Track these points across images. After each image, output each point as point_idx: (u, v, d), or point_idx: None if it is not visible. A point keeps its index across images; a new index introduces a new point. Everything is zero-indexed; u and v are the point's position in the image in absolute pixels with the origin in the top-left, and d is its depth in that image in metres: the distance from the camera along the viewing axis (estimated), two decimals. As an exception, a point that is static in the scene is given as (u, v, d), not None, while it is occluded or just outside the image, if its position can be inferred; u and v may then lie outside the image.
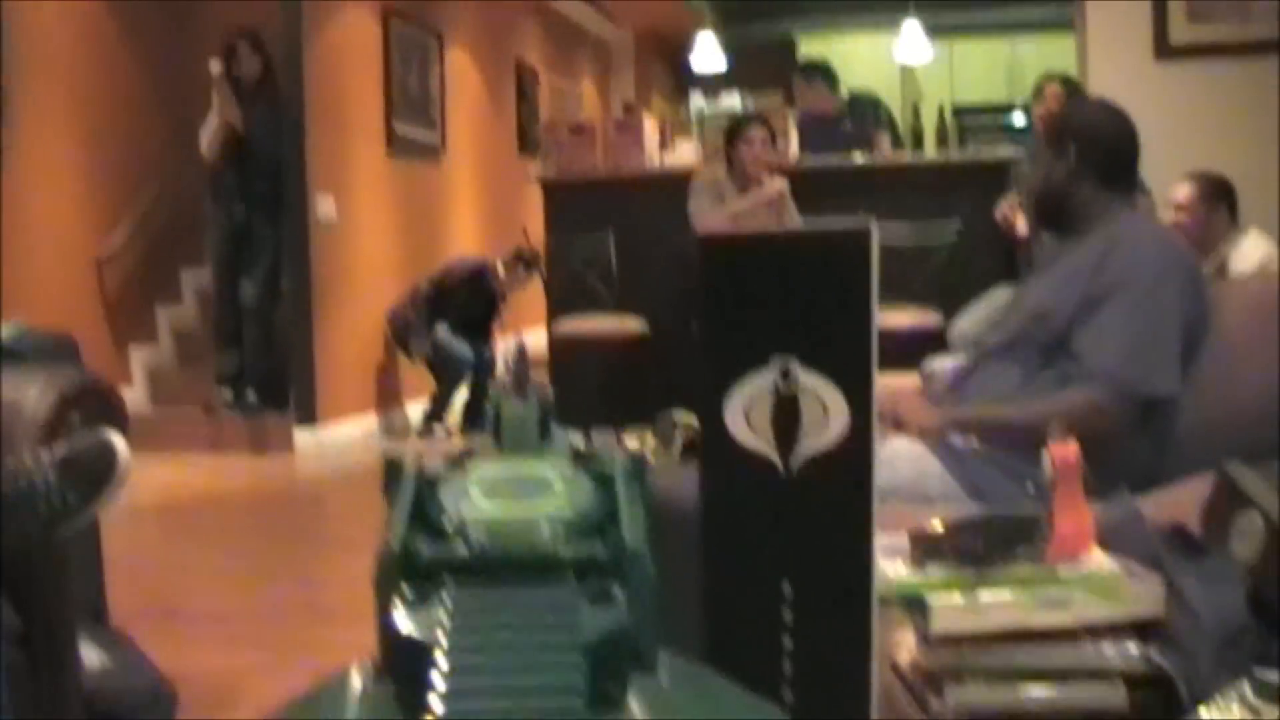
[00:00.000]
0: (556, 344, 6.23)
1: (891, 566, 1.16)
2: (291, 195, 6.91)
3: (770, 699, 0.68)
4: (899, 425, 2.46)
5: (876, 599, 1.19)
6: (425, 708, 0.44)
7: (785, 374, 0.66)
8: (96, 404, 2.57)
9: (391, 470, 0.60)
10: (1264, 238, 4.66)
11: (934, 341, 5.09)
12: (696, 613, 0.69)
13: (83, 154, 6.96)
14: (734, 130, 5.79)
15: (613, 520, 0.54)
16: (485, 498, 0.55)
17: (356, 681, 0.52)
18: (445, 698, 0.44)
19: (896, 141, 6.66)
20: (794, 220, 5.52)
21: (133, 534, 4.99)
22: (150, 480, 6.19)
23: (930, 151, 6.79)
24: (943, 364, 3.67)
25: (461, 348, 7.21)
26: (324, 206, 7.10)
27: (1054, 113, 4.73)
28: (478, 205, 9.37)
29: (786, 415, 0.66)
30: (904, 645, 1.20)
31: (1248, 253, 4.50)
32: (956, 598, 1.10)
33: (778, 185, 5.63)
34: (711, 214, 5.53)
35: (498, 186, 9.61)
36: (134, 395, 7.32)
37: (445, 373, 7.23)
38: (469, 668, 0.45)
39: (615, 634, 0.48)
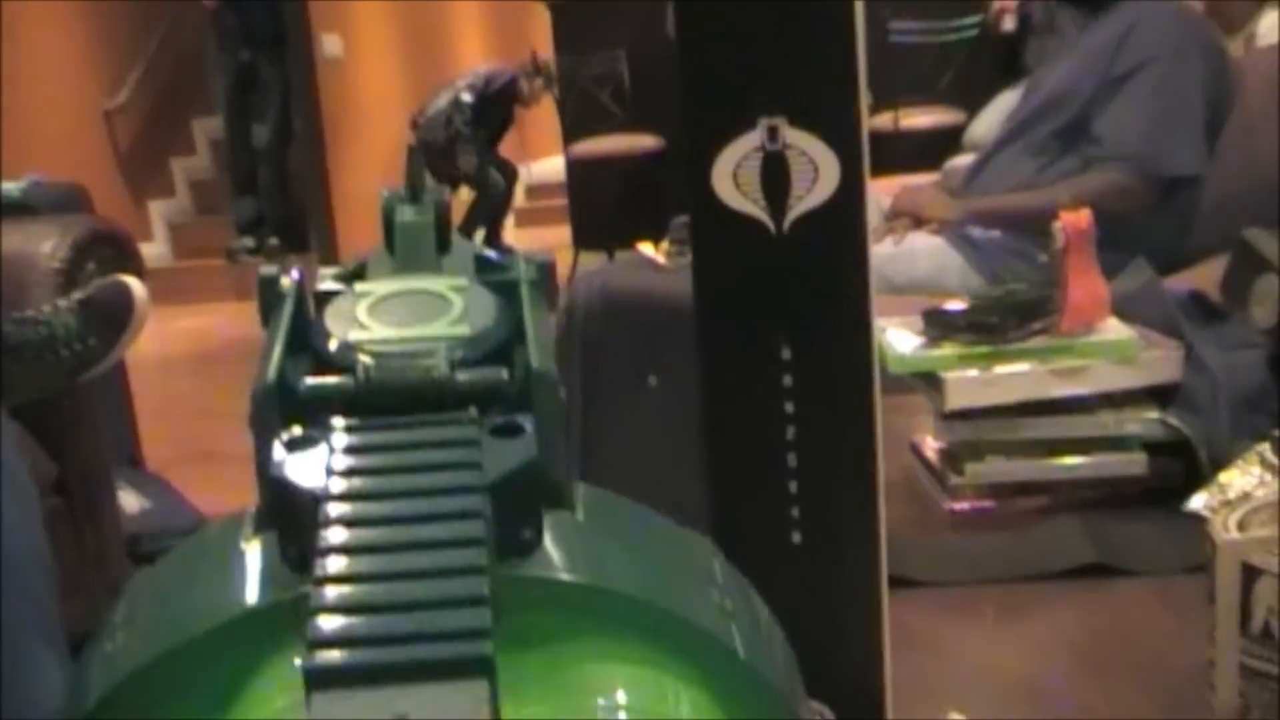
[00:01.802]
0: (573, 167, 6.17)
1: (906, 345, 1.15)
2: (295, 34, 6.79)
3: (775, 466, 0.67)
4: (918, 220, 2.43)
5: (888, 380, 1.18)
6: (311, 566, 0.39)
7: (772, 133, 0.64)
8: (111, 251, 2.56)
9: (267, 290, 0.54)
10: (1291, 11, 4.53)
11: (958, 141, 5.01)
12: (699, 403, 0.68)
13: (83, 5, 6.85)
14: None
15: (519, 339, 0.48)
16: (374, 320, 0.49)
17: (241, 532, 0.46)
18: (333, 553, 0.39)
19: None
20: None
21: (165, 384, 5.04)
22: (178, 331, 6.23)
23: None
24: (966, 162, 3.61)
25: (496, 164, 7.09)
26: (329, 44, 6.98)
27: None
28: (485, 31, 9.19)
29: (775, 175, 0.64)
30: (922, 425, 1.20)
31: (1275, 24, 4.38)
32: (971, 372, 1.09)
33: None
34: None
35: (505, 12, 9.42)
36: (156, 250, 7.32)
37: (487, 191, 7.09)
38: (358, 519, 0.40)
39: (523, 470, 0.43)
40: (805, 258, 0.64)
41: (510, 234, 9.04)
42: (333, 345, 0.48)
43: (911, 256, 2.34)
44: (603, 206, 6.04)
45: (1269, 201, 2.20)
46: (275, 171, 6.97)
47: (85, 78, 6.87)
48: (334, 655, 0.35)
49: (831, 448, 0.66)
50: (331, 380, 0.46)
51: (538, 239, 8.17)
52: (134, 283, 2.16)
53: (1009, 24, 4.89)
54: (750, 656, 0.43)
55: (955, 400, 1.07)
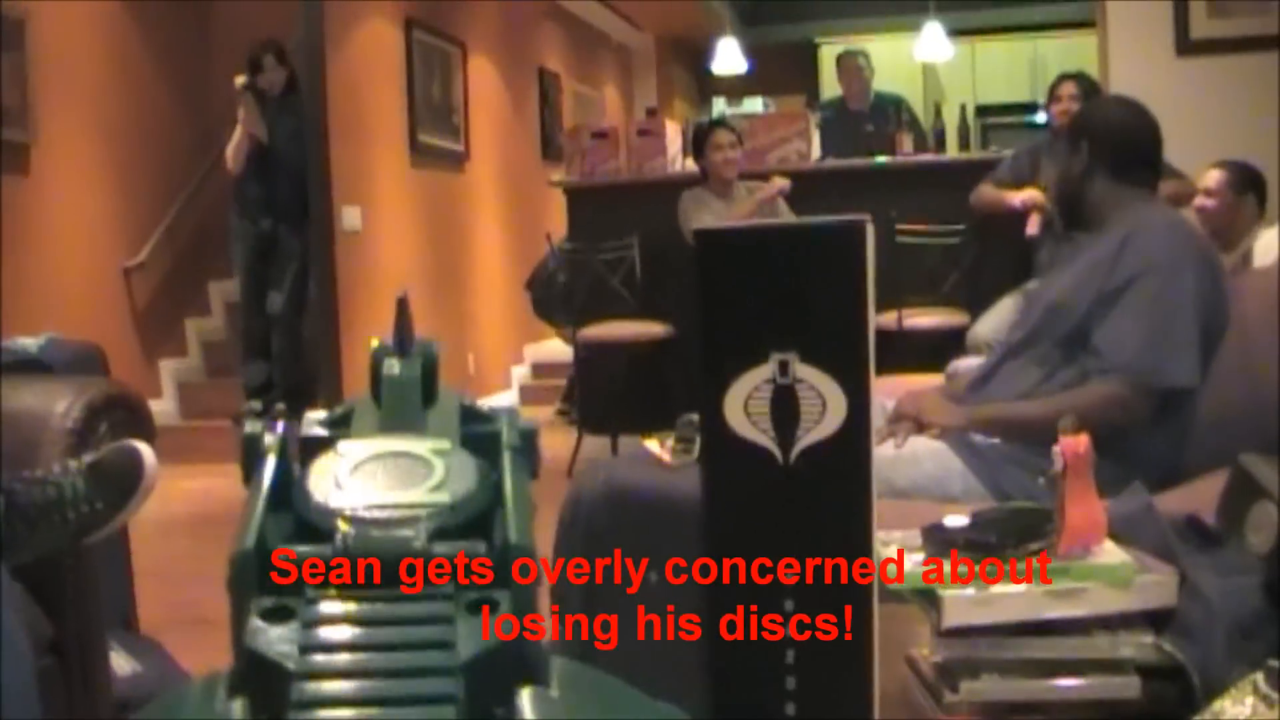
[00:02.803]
0: (581, 350, 6.25)
1: (905, 560, 1.17)
2: (316, 206, 6.95)
3: (773, 688, 0.69)
4: (921, 424, 2.47)
5: (887, 592, 1.20)
6: None
7: (783, 367, 0.67)
8: (124, 414, 2.59)
9: (250, 448, 0.53)
10: (1290, 231, 4.63)
11: (962, 342, 5.10)
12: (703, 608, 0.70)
13: (109, 166, 7.02)
14: (700, 138, 5.81)
15: (499, 503, 0.48)
16: (356, 482, 0.49)
17: (216, 695, 0.45)
18: None
19: (920, 141, 6.65)
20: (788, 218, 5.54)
21: (164, 546, 5.03)
22: (181, 492, 6.23)
23: (952, 151, 6.78)
24: (968, 364, 3.67)
25: None
26: (349, 216, 7.14)
27: (1072, 111, 4.74)
28: (501, 212, 9.40)
29: (785, 407, 0.67)
30: (918, 640, 1.21)
31: (1272, 244, 4.48)
32: (969, 590, 1.11)
33: (778, 184, 5.64)
34: (699, 219, 5.54)
35: (521, 193, 9.64)
36: (164, 408, 7.37)
37: None
38: (330, 698, 0.39)
39: (497, 648, 0.42)
40: (810, 487, 0.67)
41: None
42: (313, 509, 0.48)
43: (914, 460, 2.37)
44: (609, 391, 6.10)
45: (1267, 423, 2.23)
46: (288, 338, 7.06)
47: (107, 235, 7.01)
48: None
49: (831, 674, 0.68)
50: (308, 549, 0.47)
51: (544, 416, 8.21)
52: (144, 448, 2.19)
53: (1033, 228, 5.02)
54: None
55: (952, 617, 1.08)
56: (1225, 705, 1.05)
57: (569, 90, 11.25)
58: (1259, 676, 1.07)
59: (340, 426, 0.54)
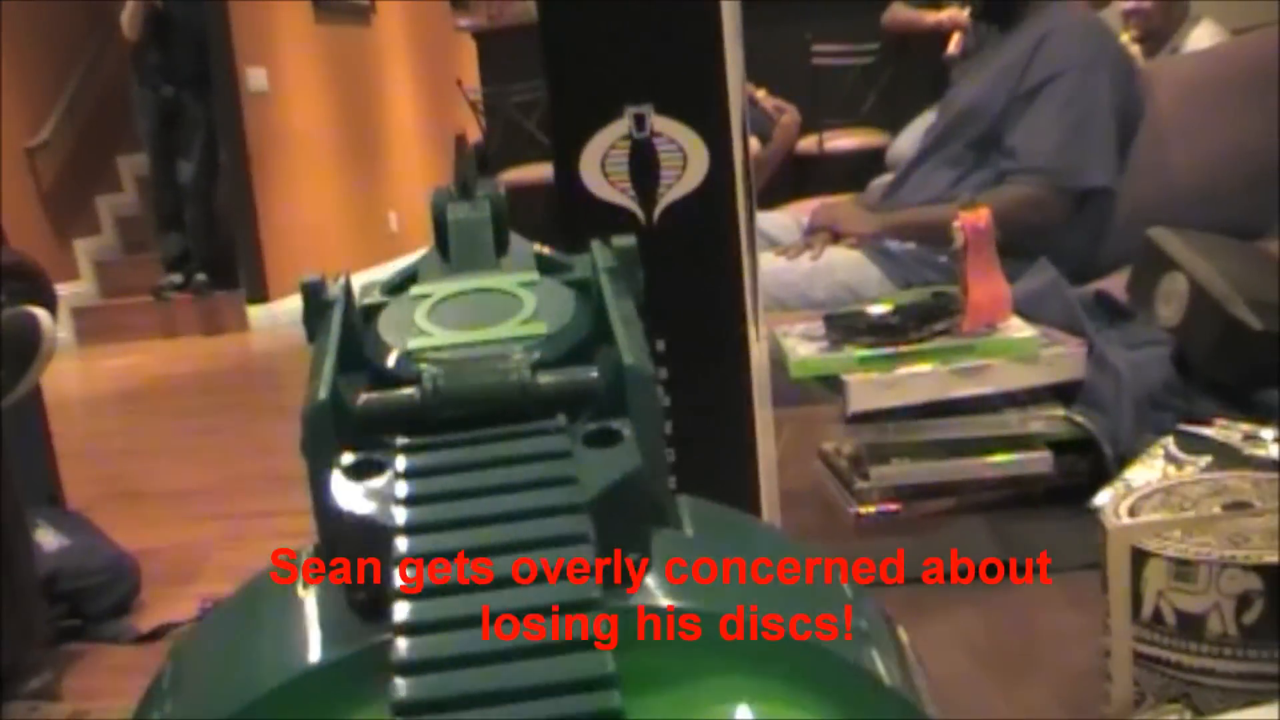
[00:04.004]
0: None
1: (807, 349, 1.14)
2: (219, 69, 6.75)
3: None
4: (836, 235, 2.44)
5: (796, 385, 1.17)
6: (384, 614, 0.32)
7: (639, 121, 0.63)
8: (21, 284, 2.51)
9: (312, 296, 0.46)
10: (1216, 27, 4.60)
11: (881, 162, 5.06)
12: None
13: (2, 41, 6.77)
14: None
15: (604, 337, 0.41)
16: (436, 325, 0.42)
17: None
18: (411, 598, 0.32)
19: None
20: None
21: (91, 423, 4.97)
22: (105, 370, 6.14)
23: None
24: (887, 181, 3.65)
25: None
26: (254, 78, 6.95)
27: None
28: (412, 64, 9.18)
29: (643, 164, 0.63)
30: (831, 434, 1.19)
31: (1198, 40, 4.45)
32: (873, 375, 1.08)
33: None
34: None
35: (431, 43, 9.41)
36: (82, 288, 7.23)
37: None
38: (440, 553, 0.33)
39: (627, 482, 0.35)
40: (676, 246, 0.63)
41: (442, 265, 8.99)
42: (391, 356, 0.41)
43: (830, 270, 2.35)
44: (532, 235, 6.02)
45: (1182, 214, 2.22)
46: (202, 207, 6.92)
47: (5, 115, 6.78)
48: None
49: (710, 438, 0.65)
50: (393, 394, 0.39)
51: (469, 270, 8.13)
52: (41, 313, 2.13)
53: (955, 48, 4.96)
54: (894, 682, 0.37)
55: (858, 403, 1.06)
56: (1136, 471, 1.04)
57: (474, -65, 10.93)
58: (1169, 440, 1.06)
59: (404, 291, 0.46)
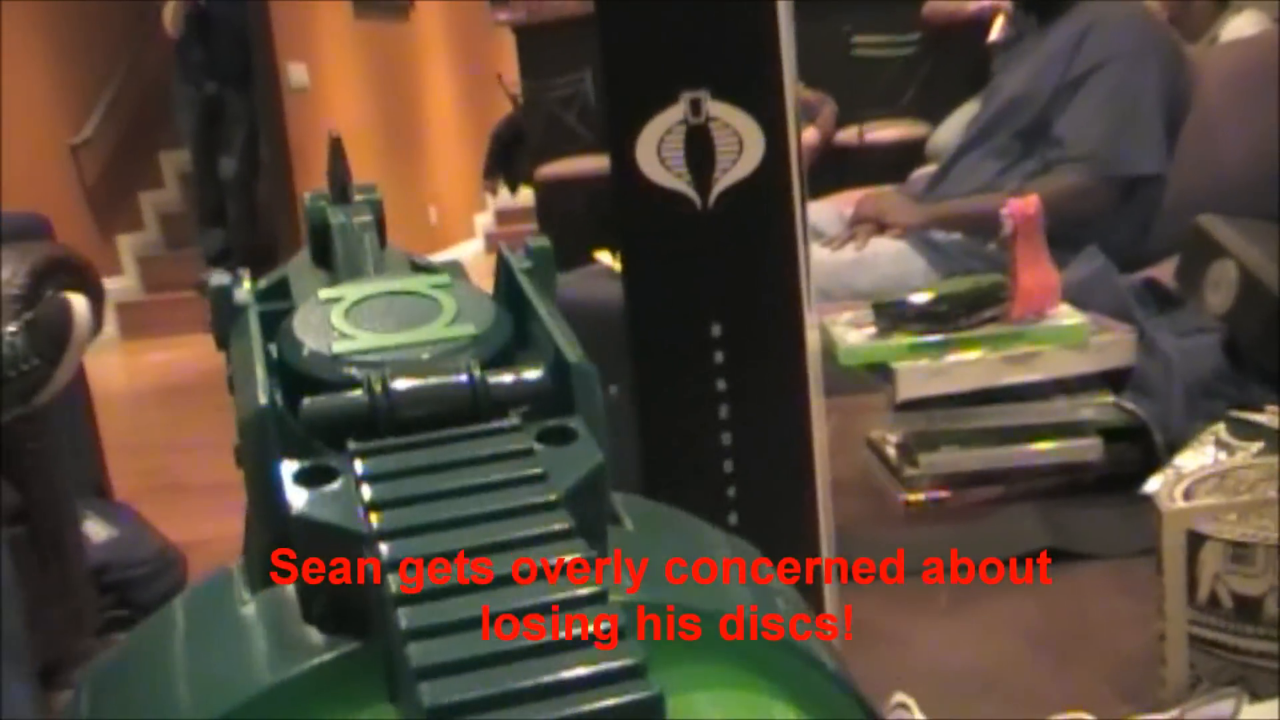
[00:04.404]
0: (542, 190, 6.17)
1: (855, 337, 1.14)
2: (260, 65, 6.79)
3: (709, 445, 0.66)
4: (881, 226, 2.43)
5: (845, 373, 1.17)
6: (385, 622, 0.31)
7: (695, 106, 0.63)
8: (69, 277, 2.54)
9: (221, 302, 0.44)
10: (1261, 14, 4.55)
11: (923, 154, 5.04)
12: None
13: (43, 42, 6.83)
14: None
15: (528, 338, 0.41)
16: (357, 328, 0.40)
17: (232, 594, 0.37)
18: (413, 601, 0.31)
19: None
20: None
21: (134, 418, 5.02)
22: (148, 365, 6.20)
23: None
24: (930, 172, 3.63)
25: None
26: (295, 73, 6.99)
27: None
28: (451, 58, 9.21)
29: (699, 148, 0.63)
30: (879, 422, 1.19)
31: (1239, 29, 4.40)
32: (922, 362, 1.08)
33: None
34: None
35: (469, 37, 9.44)
36: (125, 284, 7.30)
37: None
38: (434, 554, 0.32)
39: (591, 477, 0.35)
40: (732, 231, 0.63)
41: (483, 260, 9.04)
42: (311, 360, 0.39)
43: (875, 261, 2.34)
44: (572, 228, 6.03)
45: (1229, 196, 2.20)
46: (243, 203, 6.97)
47: (50, 113, 6.85)
48: None
49: (766, 421, 0.65)
50: (340, 398, 0.37)
51: (509, 263, 8.15)
52: (75, 298, 2.15)
53: (997, 33, 4.93)
54: (835, 667, 0.37)
55: (906, 390, 1.06)
56: (1186, 458, 1.03)
57: (513, -70, 10.94)
58: (1220, 427, 1.05)
59: (276, 299, 0.45)
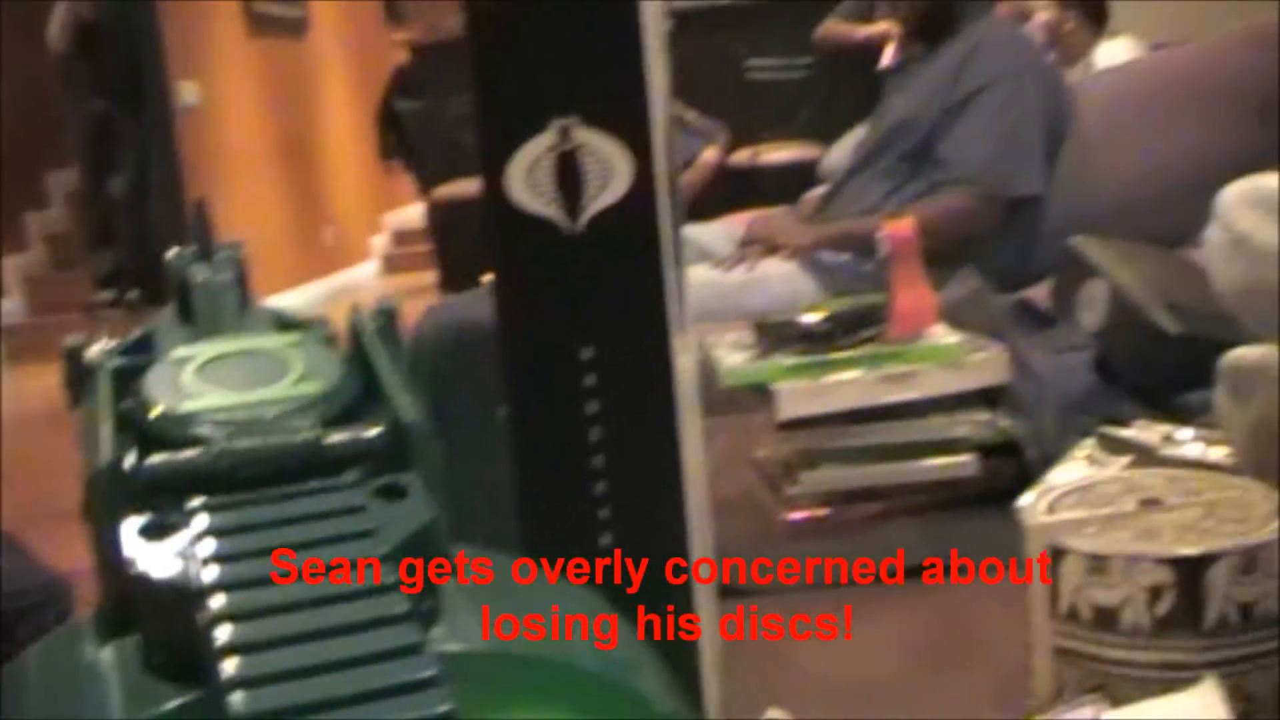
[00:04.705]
0: (437, 211, 6.15)
1: (737, 358, 1.16)
2: (151, 82, 6.69)
3: (581, 469, 0.67)
4: (771, 247, 2.46)
5: (728, 393, 1.19)
6: (212, 675, 0.32)
7: (564, 133, 0.64)
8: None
9: (74, 363, 0.46)
10: (1133, 41, 4.68)
11: (817, 175, 5.10)
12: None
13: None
14: None
15: (374, 395, 0.43)
16: (207, 386, 0.42)
17: (83, 645, 0.38)
18: (239, 652, 0.32)
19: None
20: None
21: (21, 443, 4.91)
22: (35, 389, 6.07)
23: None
24: (821, 194, 3.68)
25: None
26: (187, 91, 6.90)
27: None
28: (348, 78, 9.15)
29: (569, 174, 0.64)
30: (762, 442, 1.21)
31: (1113, 56, 4.52)
32: (803, 382, 1.10)
33: None
34: None
35: (367, 56, 9.38)
36: (11, 306, 7.14)
37: None
38: (257, 609, 0.34)
39: (421, 534, 0.38)
40: (601, 256, 0.64)
41: (378, 281, 8.98)
42: (162, 419, 0.40)
43: (765, 282, 2.37)
44: (469, 248, 6.02)
45: (1105, 218, 2.26)
46: (134, 224, 6.85)
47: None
48: None
49: (638, 443, 0.66)
50: (182, 456, 0.39)
51: (406, 285, 8.12)
52: None
53: (889, 59, 5.00)
54: (670, 710, 0.39)
55: (787, 410, 1.08)
56: (1059, 473, 1.06)
57: (408, -52, 10.91)
58: (1090, 441, 1.08)
59: (140, 354, 0.46)
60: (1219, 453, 1.02)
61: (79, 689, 0.37)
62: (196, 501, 0.37)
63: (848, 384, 1.10)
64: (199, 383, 0.42)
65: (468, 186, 5.88)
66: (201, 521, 0.36)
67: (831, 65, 5.47)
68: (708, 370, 1.15)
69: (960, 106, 2.48)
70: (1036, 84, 2.50)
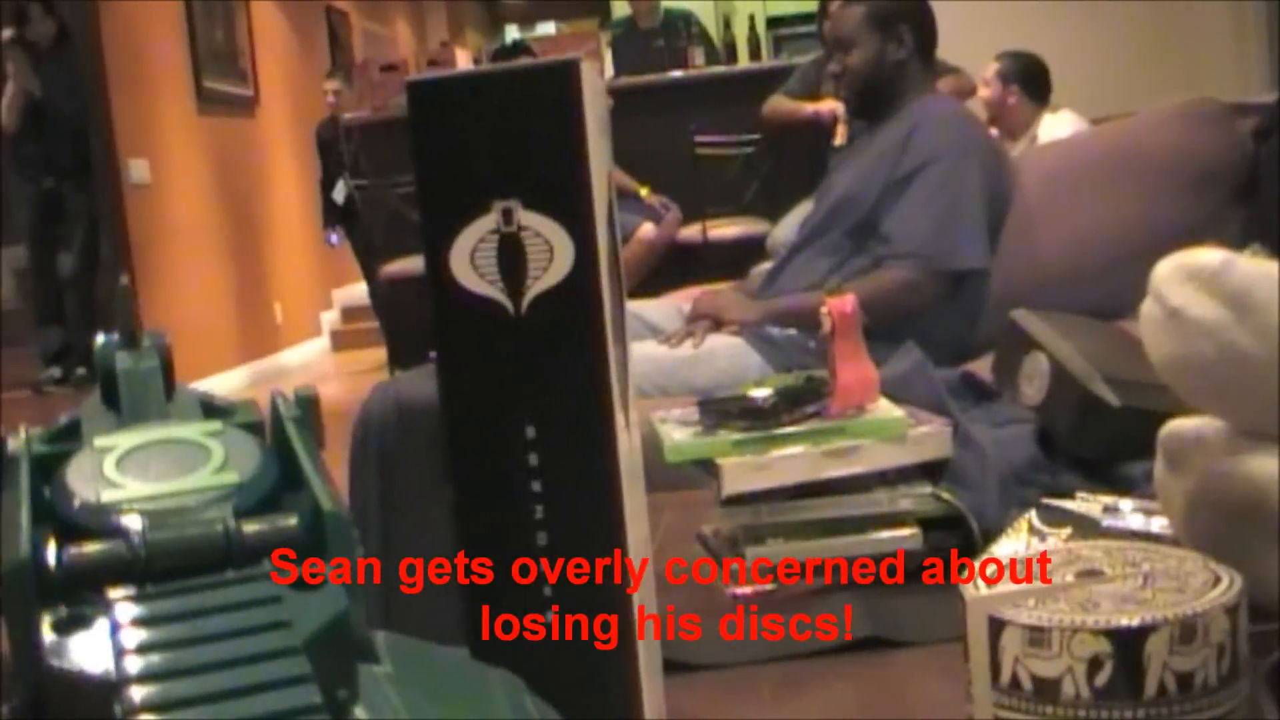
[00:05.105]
0: (386, 290, 6.15)
1: (682, 434, 1.16)
2: (99, 160, 6.68)
3: (525, 547, 0.67)
4: (718, 322, 2.49)
5: (672, 469, 1.20)
6: None
7: (506, 215, 0.65)
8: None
9: None
10: (1075, 116, 4.77)
11: (763, 250, 5.15)
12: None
13: None
14: (501, 61, 5.77)
15: (290, 480, 0.44)
16: (127, 476, 0.42)
17: None
18: None
19: (711, 55, 6.67)
20: None
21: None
22: (-20, 467, 5.98)
23: (743, 62, 6.82)
24: (769, 268, 3.71)
25: None
26: (136, 169, 6.89)
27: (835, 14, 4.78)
28: (297, 155, 9.17)
29: (511, 256, 0.65)
30: (708, 517, 1.21)
31: (1055, 130, 4.61)
32: (747, 457, 1.11)
33: None
34: None
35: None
36: (-44, 383, 7.05)
37: None
38: (170, 700, 0.34)
39: (335, 624, 0.38)
40: (543, 336, 0.65)
41: (327, 358, 8.94)
42: (81, 510, 0.41)
43: (711, 358, 2.38)
44: (414, 325, 6.02)
45: (1048, 291, 2.30)
46: (82, 300, 6.82)
47: (-124, 210, 6.65)
48: None
49: (580, 520, 0.67)
50: (100, 548, 0.39)
51: (356, 361, 8.09)
52: None
53: (841, 138, 5.06)
54: None
55: (731, 485, 1.08)
56: (1001, 545, 1.07)
57: (359, 28, 11.01)
58: (1032, 514, 1.09)
59: (67, 440, 0.47)
60: (1160, 523, 1.03)
61: None
62: (115, 593, 0.38)
63: (792, 459, 1.11)
64: (119, 474, 0.42)
65: (415, 263, 5.89)
66: (120, 612, 0.37)
67: (778, 142, 5.55)
68: (653, 446, 1.16)
69: (903, 183, 2.52)
70: (977, 159, 2.54)
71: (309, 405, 0.48)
